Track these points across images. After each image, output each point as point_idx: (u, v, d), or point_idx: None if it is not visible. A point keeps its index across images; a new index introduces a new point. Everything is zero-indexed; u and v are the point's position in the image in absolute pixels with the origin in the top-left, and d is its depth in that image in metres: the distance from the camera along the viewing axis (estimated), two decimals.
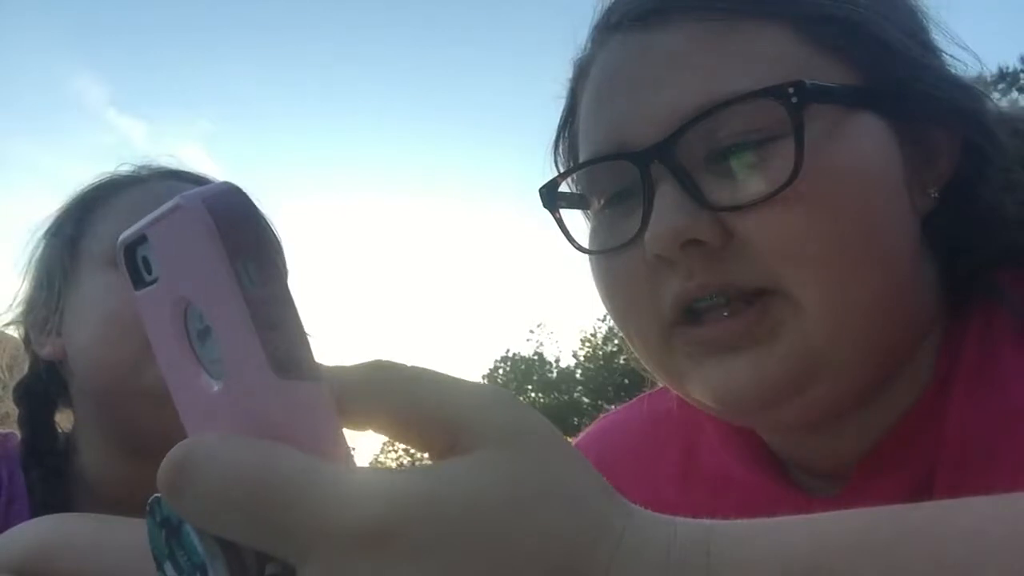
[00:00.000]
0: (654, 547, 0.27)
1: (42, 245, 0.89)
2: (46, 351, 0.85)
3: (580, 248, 0.60)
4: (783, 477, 0.60)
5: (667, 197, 0.51)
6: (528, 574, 0.26)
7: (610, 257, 0.56)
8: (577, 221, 0.62)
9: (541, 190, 0.61)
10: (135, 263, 0.30)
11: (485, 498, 0.26)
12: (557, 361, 33.94)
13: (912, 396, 0.55)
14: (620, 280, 0.56)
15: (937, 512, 0.30)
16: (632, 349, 0.60)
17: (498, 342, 59.89)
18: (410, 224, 56.81)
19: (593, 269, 0.59)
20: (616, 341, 31.97)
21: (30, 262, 0.89)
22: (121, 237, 0.30)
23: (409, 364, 0.30)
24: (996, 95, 0.59)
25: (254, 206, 0.28)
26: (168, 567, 0.30)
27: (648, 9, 0.55)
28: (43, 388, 0.86)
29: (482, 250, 54.53)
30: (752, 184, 0.50)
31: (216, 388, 0.29)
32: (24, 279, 0.89)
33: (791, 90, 0.49)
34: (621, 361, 31.47)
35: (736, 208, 0.50)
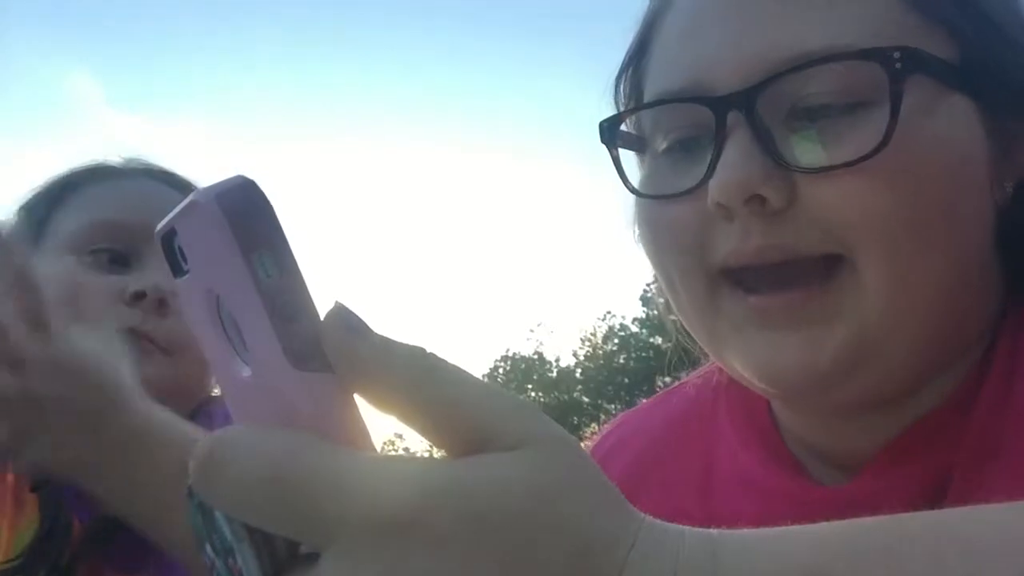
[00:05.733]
0: (664, 552, 0.28)
1: (14, 220, 0.89)
2: None
3: (635, 191, 0.56)
4: (801, 474, 0.59)
5: (740, 146, 0.48)
6: (547, 566, 0.26)
7: (665, 204, 0.54)
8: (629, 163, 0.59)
9: (602, 124, 0.57)
10: (173, 252, 0.31)
11: (512, 489, 0.27)
12: (557, 360, 33.96)
13: (945, 393, 0.53)
14: (672, 229, 0.53)
15: (937, 520, 0.31)
16: (673, 306, 0.57)
17: (498, 341, 60.07)
18: (410, 223, 56.92)
19: (642, 215, 0.56)
20: (616, 340, 32.11)
21: None
22: (157, 227, 0.31)
23: (449, 361, 0.30)
24: None
25: (267, 199, 0.29)
26: (208, 548, 0.31)
27: None
28: None
29: (482, 249, 54.62)
30: (834, 149, 0.47)
31: (246, 374, 0.30)
32: None
33: (897, 55, 0.46)
34: (621, 360, 31.51)
35: (813, 170, 0.47)
